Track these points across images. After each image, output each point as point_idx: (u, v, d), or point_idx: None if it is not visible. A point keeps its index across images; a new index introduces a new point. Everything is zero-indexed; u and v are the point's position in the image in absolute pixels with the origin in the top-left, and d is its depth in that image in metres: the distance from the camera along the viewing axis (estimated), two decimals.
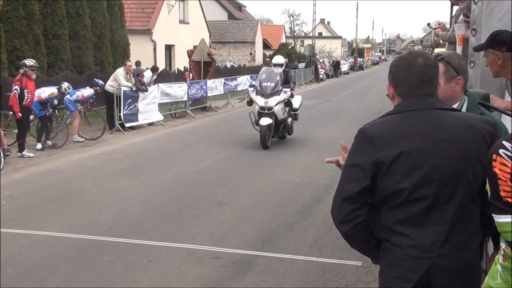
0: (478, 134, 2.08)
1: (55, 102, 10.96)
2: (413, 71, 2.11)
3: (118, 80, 13.24)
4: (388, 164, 2.03)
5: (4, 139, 9.47)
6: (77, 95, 11.34)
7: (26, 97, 9.59)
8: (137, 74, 14.07)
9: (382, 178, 2.05)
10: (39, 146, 10.46)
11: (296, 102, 11.78)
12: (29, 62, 9.85)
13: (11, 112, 10.14)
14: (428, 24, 7.32)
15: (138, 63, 18.77)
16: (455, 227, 2.04)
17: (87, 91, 11.67)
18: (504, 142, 1.80)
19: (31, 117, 10.71)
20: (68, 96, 11.13)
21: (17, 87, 9.50)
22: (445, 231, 2.03)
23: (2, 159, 8.79)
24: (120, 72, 13.45)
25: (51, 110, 10.86)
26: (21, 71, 9.70)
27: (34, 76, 9.84)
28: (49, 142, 10.77)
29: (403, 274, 2.05)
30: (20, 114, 9.53)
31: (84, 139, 11.51)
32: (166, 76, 20.44)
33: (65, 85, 11.04)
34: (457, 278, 2.04)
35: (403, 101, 2.14)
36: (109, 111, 13.36)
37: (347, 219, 2.11)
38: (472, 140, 2.06)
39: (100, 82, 12.18)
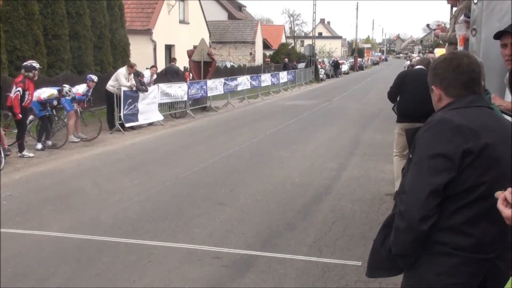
0: None
1: (54, 103, 10.96)
2: (464, 71, 2.13)
3: (119, 80, 13.23)
4: (475, 155, 1.96)
5: (5, 139, 9.48)
6: (73, 93, 11.33)
7: (26, 99, 9.61)
8: (137, 75, 14.07)
9: (463, 170, 1.97)
10: (39, 146, 10.46)
11: None
12: (36, 64, 9.87)
13: (10, 113, 10.15)
14: (428, 25, 7.33)
15: (173, 60, 19.08)
16: (508, 227, 1.99)
17: (81, 87, 11.67)
18: None
19: (31, 117, 10.73)
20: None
21: (20, 88, 9.49)
22: (503, 231, 1.99)
23: (3, 159, 8.80)
24: (122, 72, 13.43)
25: (50, 110, 10.86)
26: (27, 73, 9.65)
27: (36, 78, 9.91)
28: (49, 142, 10.77)
29: (463, 280, 1.97)
30: (20, 116, 9.54)
31: (79, 139, 11.50)
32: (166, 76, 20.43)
33: (66, 88, 11.04)
34: (504, 279, 2.02)
35: (464, 98, 2.12)
36: (110, 111, 13.36)
37: (429, 215, 1.96)
38: None
39: (88, 76, 11.96)
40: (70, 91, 11.06)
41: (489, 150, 1.97)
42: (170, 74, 18.07)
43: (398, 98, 6.75)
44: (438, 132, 2.02)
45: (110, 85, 13.32)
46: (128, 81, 13.36)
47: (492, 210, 1.95)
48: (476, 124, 2.02)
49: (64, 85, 11.33)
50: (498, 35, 3.12)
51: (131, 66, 13.68)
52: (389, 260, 2.15)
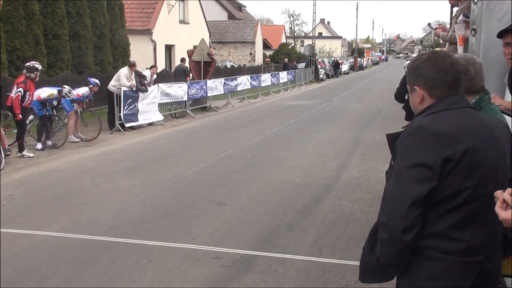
0: (508, 134, 2.11)
1: (54, 103, 10.97)
2: (448, 71, 2.08)
3: (120, 80, 13.25)
4: (455, 162, 1.92)
5: (5, 139, 9.48)
6: (73, 94, 11.34)
7: (27, 99, 9.62)
8: (139, 75, 14.09)
9: (444, 178, 1.93)
10: (39, 146, 10.46)
11: None
12: (38, 66, 9.89)
13: (10, 113, 10.15)
14: (429, 24, 7.32)
15: (183, 60, 19.16)
16: (497, 228, 2.00)
17: (82, 90, 11.69)
18: None
19: (31, 116, 10.74)
20: None
21: (21, 89, 9.50)
22: (492, 233, 1.99)
23: (3, 159, 8.80)
24: (123, 72, 13.44)
25: (51, 110, 10.86)
26: (29, 74, 9.65)
27: (37, 79, 9.97)
28: (49, 142, 10.77)
29: (453, 283, 1.95)
30: (20, 116, 9.55)
31: (79, 139, 11.51)
32: (166, 76, 20.45)
33: (66, 89, 11.07)
34: (493, 282, 2.03)
35: (445, 100, 2.07)
36: (111, 111, 13.37)
37: (412, 226, 1.92)
38: (506, 140, 2.08)
39: (93, 80, 12.11)
40: (70, 92, 11.08)
41: (470, 154, 1.94)
42: (178, 74, 18.17)
43: (406, 97, 6.81)
44: (415, 140, 1.97)
45: (112, 85, 13.34)
46: (129, 81, 13.37)
47: (478, 212, 1.95)
48: (456, 128, 1.98)
49: (64, 86, 11.36)
50: (501, 34, 3.12)
51: (132, 65, 13.71)
52: (379, 268, 2.12)
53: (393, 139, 2.16)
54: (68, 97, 11.11)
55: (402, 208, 1.93)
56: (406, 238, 1.93)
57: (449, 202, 1.95)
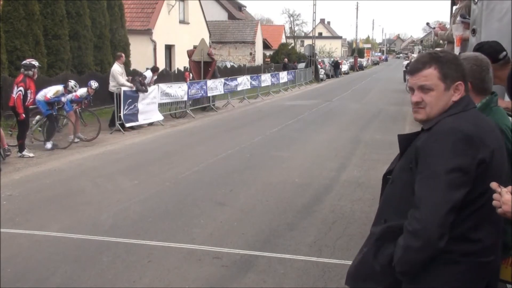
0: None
1: (63, 99, 10.91)
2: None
3: (116, 79, 13.25)
4: (487, 164, 1.91)
5: (5, 139, 9.47)
6: (72, 94, 11.32)
7: (29, 98, 9.61)
8: (139, 75, 14.08)
9: (475, 180, 1.91)
10: (49, 145, 10.37)
11: None
12: (35, 62, 9.88)
13: (14, 114, 10.12)
14: (427, 24, 7.34)
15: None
16: (502, 226, 2.01)
17: (80, 91, 11.67)
18: None
19: (38, 116, 10.73)
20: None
21: (21, 88, 9.49)
22: (499, 231, 2.00)
23: (2, 159, 8.79)
24: (116, 70, 13.43)
25: (56, 109, 10.82)
26: (26, 72, 9.63)
27: (36, 76, 9.94)
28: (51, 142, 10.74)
29: (471, 284, 1.94)
30: (24, 115, 9.54)
31: (79, 139, 11.50)
32: (166, 76, 20.45)
33: (72, 83, 11.08)
34: (498, 280, 2.05)
35: (463, 100, 2.04)
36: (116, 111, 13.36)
37: (446, 232, 1.89)
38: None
39: (95, 86, 12.07)
40: (76, 86, 11.08)
41: (496, 156, 1.94)
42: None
43: None
44: (449, 143, 1.91)
45: (111, 85, 13.39)
46: (123, 76, 13.39)
47: (491, 212, 1.92)
48: (480, 130, 1.95)
49: (69, 80, 11.34)
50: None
51: (118, 57, 13.71)
52: (382, 274, 2.09)
53: (406, 140, 2.11)
54: (75, 91, 11.10)
55: (439, 215, 1.87)
56: (441, 245, 1.89)
57: (474, 204, 1.93)
